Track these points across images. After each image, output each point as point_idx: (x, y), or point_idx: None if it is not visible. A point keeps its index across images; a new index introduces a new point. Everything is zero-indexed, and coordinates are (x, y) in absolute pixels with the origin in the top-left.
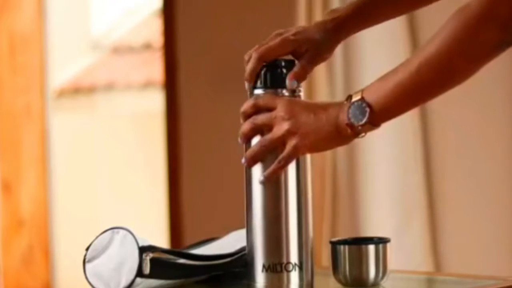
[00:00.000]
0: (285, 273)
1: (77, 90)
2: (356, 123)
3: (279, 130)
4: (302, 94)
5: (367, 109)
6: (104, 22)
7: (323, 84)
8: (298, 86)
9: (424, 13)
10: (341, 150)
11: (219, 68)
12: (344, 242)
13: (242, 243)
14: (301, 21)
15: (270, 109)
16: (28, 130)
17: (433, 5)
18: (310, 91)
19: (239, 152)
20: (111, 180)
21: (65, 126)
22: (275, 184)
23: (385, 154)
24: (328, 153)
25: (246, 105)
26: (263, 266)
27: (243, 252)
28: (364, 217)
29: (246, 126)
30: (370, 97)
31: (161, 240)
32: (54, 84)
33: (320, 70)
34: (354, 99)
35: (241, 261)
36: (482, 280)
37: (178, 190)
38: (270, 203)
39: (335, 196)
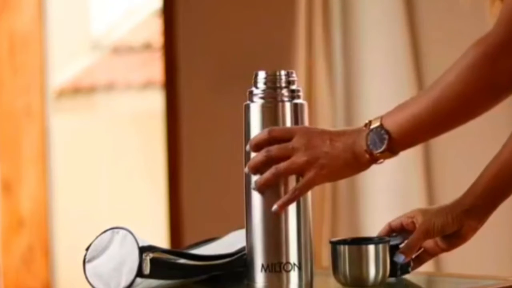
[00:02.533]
0: (284, 273)
1: (77, 90)
2: (374, 150)
3: (297, 161)
4: (301, 94)
5: (386, 136)
6: (104, 22)
7: (323, 86)
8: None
9: (425, 22)
10: None
11: (219, 68)
12: (344, 242)
13: (242, 243)
14: (301, 22)
15: (286, 140)
16: (28, 130)
17: (435, 13)
18: (310, 93)
19: (239, 152)
20: (111, 180)
21: (65, 126)
22: (275, 184)
23: None
24: None
25: (260, 136)
26: (262, 266)
27: (243, 252)
28: (364, 217)
29: (258, 158)
30: (389, 125)
31: (161, 240)
32: (54, 84)
33: (320, 73)
34: (373, 125)
35: (241, 261)
36: (482, 280)
37: (178, 190)
38: (269, 203)
39: (335, 196)
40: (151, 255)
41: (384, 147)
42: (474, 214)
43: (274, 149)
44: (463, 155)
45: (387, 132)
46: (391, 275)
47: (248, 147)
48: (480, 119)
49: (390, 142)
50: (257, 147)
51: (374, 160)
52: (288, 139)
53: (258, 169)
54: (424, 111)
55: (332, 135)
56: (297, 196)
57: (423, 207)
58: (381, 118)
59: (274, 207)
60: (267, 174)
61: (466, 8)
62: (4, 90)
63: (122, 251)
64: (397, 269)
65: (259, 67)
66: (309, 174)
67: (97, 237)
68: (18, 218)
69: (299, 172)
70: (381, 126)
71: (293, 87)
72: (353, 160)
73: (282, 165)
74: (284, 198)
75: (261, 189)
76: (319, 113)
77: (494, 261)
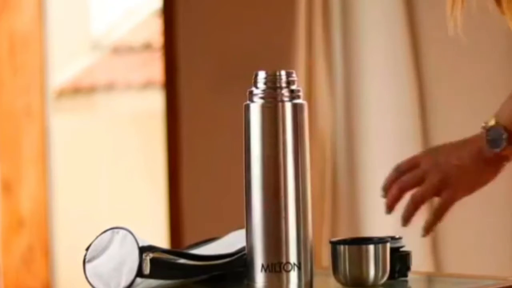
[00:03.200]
0: (284, 273)
1: (77, 90)
2: (497, 149)
3: (430, 183)
4: (301, 94)
5: (504, 132)
6: (104, 22)
7: (323, 86)
8: None
9: (425, 22)
10: (341, 150)
11: (219, 68)
12: (344, 242)
13: (242, 243)
14: (301, 23)
15: (412, 169)
16: (28, 130)
17: (434, 13)
18: (310, 93)
19: (239, 153)
20: (111, 180)
21: (65, 126)
22: (275, 184)
23: (385, 154)
24: (328, 153)
25: (389, 178)
26: (262, 266)
27: (243, 252)
28: (364, 217)
29: (393, 191)
30: (504, 119)
31: (161, 240)
32: (54, 84)
33: (320, 73)
34: (489, 124)
35: (241, 261)
36: (482, 280)
37: (178, 190)
38: (269, 203)
39: (335, 196)
40: (151, 255)
41: (504, 143)
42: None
43: (405, 178)
44: None
45: (505, 128)
46: (388, 278)
47: (382, 193)
48: (480, 120)
49: (510, 137)
50: (385, 188)
51: (502, 159)
52: (415, 167)
53: (395, 205)
54: None
55: (456, 149)
56: (439, 218)
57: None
58: (495, 115)
59: (422, 233)
60: (407, 206)
61: (464, 42)
62: (4, 90)
63: (122, 251)
64: (395, 272)
65: (259, 67)
66: (447, 193)
67: (97, 237)
68: (18, 218)
69: (436, 192)
70: (497, 123)
71: (293, 87)
72: (484, 166)
73: (417, 192)
74: (428, 220)
75: (407, 222)
76: (319, 113)
77: (494, 261)
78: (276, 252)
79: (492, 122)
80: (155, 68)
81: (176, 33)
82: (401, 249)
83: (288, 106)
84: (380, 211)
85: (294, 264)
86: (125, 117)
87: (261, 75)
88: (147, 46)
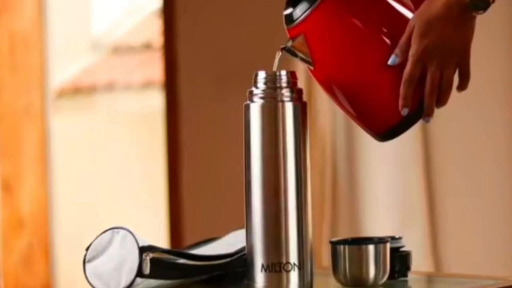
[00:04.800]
0: (284, 273)
1: (77, 90)
2: None
3: (415, 53)
4: (301, 94)
5: None
6: (104, 22)
7: None
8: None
9: None
10: (341, 149)
11: (219, 68)
12: (344, 242)
13: (242, 243)
14: None
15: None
16: (28, 130)
17: None
18: (310, 93)
19: (239, 153)
20: (111, 180)
21: (65, 126)
22: (275, 183)
23: (385, 153)
24: (328, 153)
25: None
26: (262, 266)
27: (243, 252)
28: (364, 217)
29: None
30: None
31: (161, 240)
32: (54, 84)
33: None
34: None
35: (241, 261)
36: (482, 280)
37: (178, 190)
38: (269, 203)
39: (335, 196)
40: (151, 255)
41: None
42: None
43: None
44: (463, 156)
45: None
46: (389, 278)
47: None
48: (479, 120)
49: None
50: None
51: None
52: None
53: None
54: None
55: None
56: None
57: None
58: None
59: (427, 119)
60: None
61: None
62: (4, 90)
63: (122, 251)
64: (395, 272)
65: (259, 67)
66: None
67: (97, 237)
68: (18, 218)
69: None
70: None
71: (294, 87)
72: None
73: (404, 75)
74: (428, 107)
75: (406, 105)
76: (319, 113)
77: (494, 261)
78: (276, 252)
79: None
80: (155, 68)
81: (176, 33)
82: (401, 249)
83: (288, 106)
84: (380, 211)
85: (294, 264)
86: (125, 117)
87: (261, 75)
88: (147, 46)
